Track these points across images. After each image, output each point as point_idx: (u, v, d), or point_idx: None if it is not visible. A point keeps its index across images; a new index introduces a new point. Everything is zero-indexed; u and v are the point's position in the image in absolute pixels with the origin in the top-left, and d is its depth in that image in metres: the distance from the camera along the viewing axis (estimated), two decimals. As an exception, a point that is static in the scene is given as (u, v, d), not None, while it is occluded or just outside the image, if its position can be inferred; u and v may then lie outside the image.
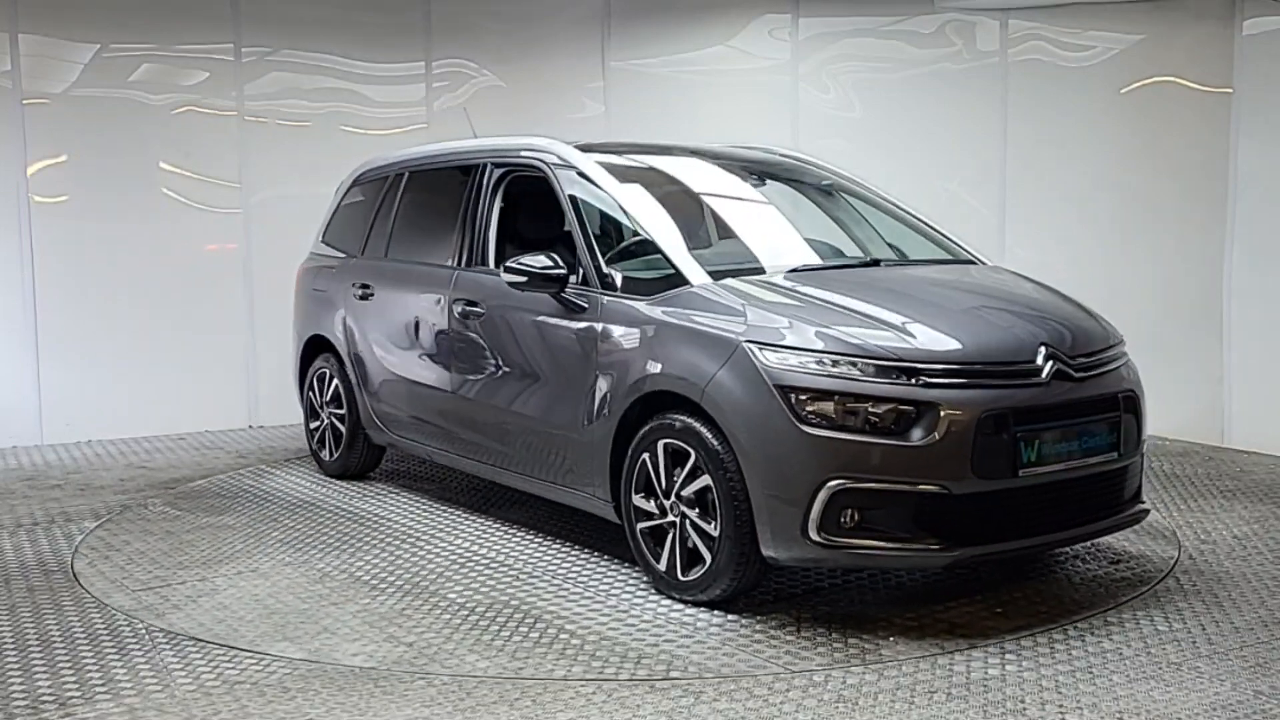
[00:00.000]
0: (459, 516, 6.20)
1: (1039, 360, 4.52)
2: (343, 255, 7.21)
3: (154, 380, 8.54)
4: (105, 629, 4.56)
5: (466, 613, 4.70)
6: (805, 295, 4.76)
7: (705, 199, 5.87)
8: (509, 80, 9.26)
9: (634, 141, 6.22)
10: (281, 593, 5.00)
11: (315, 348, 7.35)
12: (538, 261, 5.24)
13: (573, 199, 5.47)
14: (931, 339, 4.47)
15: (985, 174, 8.54)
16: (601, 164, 5.52)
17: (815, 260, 5.36)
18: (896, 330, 4.49)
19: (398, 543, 5.71)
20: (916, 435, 4.26)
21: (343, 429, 7.01)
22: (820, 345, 4.41)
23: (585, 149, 5.68)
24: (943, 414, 4.28)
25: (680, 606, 4.71)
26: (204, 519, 6.23)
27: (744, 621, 4.54)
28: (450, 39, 9.25)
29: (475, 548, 5.60)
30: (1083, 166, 8.30)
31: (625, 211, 5.29)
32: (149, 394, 8.53)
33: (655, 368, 4.79)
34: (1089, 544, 5.39)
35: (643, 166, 5.82)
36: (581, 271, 5.25)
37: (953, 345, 4.46)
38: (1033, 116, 8.40)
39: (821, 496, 4.28)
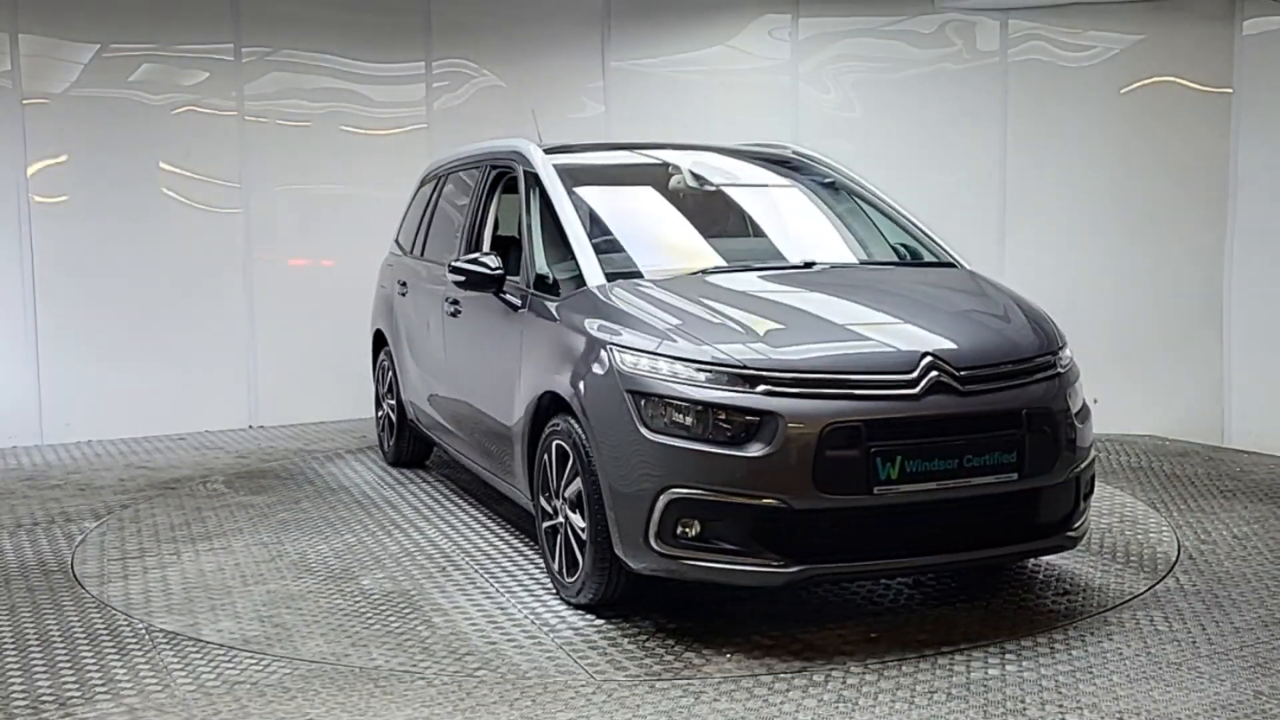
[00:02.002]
0: (460, 507, 6.30)
1: (915, 372, 4.23)
2: (399, 253, 7.47)
3: (154, 380, 8.54)
4: (105, 629, 4.56)
5: (358, 599, 4.88)
6: (682, 299, 4.65)
7: (648, 200, 5.81)
8: (509, 80, 9.26)
9: (614, 142, 6.33)
10: (219, 570, 5.31)
11: (379, 342, 7.65)
12: (475, 262, 5.37)
13: (526, 199, 5.56)
14: (787, 348, 4.30)
15: (985, 174, 8.54)
16: (557, 165, 5.51)
17: (724, 263, 5.19)
18: (755, 337, 4.34)
19: (375, 529, 5.96)
20: (756, 446, 4.09)
21: (393, 419, 7.30)
22: (669, 350, 4.31)
23: (550, 150, 5.74)
24: (783, 425, 4.08)
25: (564, 608, 4.72)
26: (237, 498, 6.61)
27: (601, 626, 4.50)
28: (450, 39, 9.25)
29: (439, 538, 5.75)
30: (1083, 166, 8.30)
31: (556, 212, 5.27)
32: (149, 394, 8.53)
33: (550, 367, 4.83)
34: (1035, 573, 5.25)
35: (601, 167, 5.91)
36: (523, 271, 5.35)
37: (806, 354, 4.28)
38: (1033, 116, 8.40)
39: (659, 505, 4.17)
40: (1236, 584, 4.95)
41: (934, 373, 4.24)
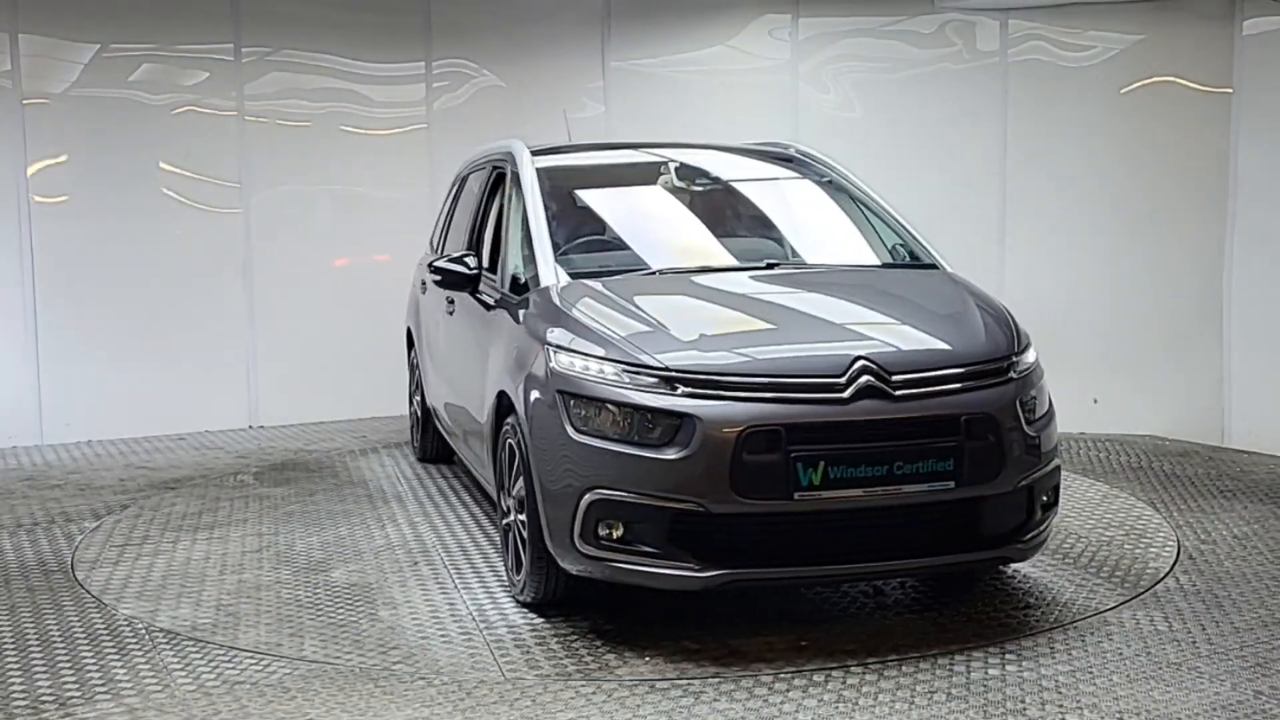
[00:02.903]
0: (464, 503, 6.39)
1: (844, 376, 4.16)
2: (428, 251, 7.58)
3: (154, 380, 8.54)
4: (105, 629, 4.56)
5: (319, 591, 4.99)
6: (626, 300, 4.64)
7: (625, 201, 5.84)
8: (509, 80, 9.25)
9: (608, 142, 6.36)
10: (205, 559, 5.49)
11: (410, 339, 7.76)
12: (455, 261, 5.42)
13: (510, 199, 5.61)
14: (714, 351, 4.29)
15: (985, 174, 8.54)
16: (539, 167, 5.56)
17: (683, 264, 5.17)
18: (685, 340, 4.32)
19: (372, 522, 6.10)
20: (674, 449, 4.06)
21: (419, 415, 7.42)
22: (597, 351, 4.32)
23: (540, 152, 5.79)
24: (700, 428, 4.04)
25: (511, 606, 4.76)
26: (259, 489, 6.82)
27: (537, 625, 4.54)
28: (450, 39, 9.24)
29: (428, 533, 5.85)
30: (1083, 166, 8.29)
31: (526, 211, 5.29)
32: (149, 394, 8.53)
33: (506, 366, 4.86)
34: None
35: (586, 168, 5.99)
36: (499, 271, 5.39)
37: (730, 357, 4.25)
38: (1033, 116, 8.40)
39: (583, 505, 4.17)
40: (1236, 584, 4.95)
41: (865, 377, 4.16)
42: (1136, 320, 8.19)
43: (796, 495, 4.04)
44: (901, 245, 5.51)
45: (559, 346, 4.43)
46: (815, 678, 4.00)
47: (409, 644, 4.37)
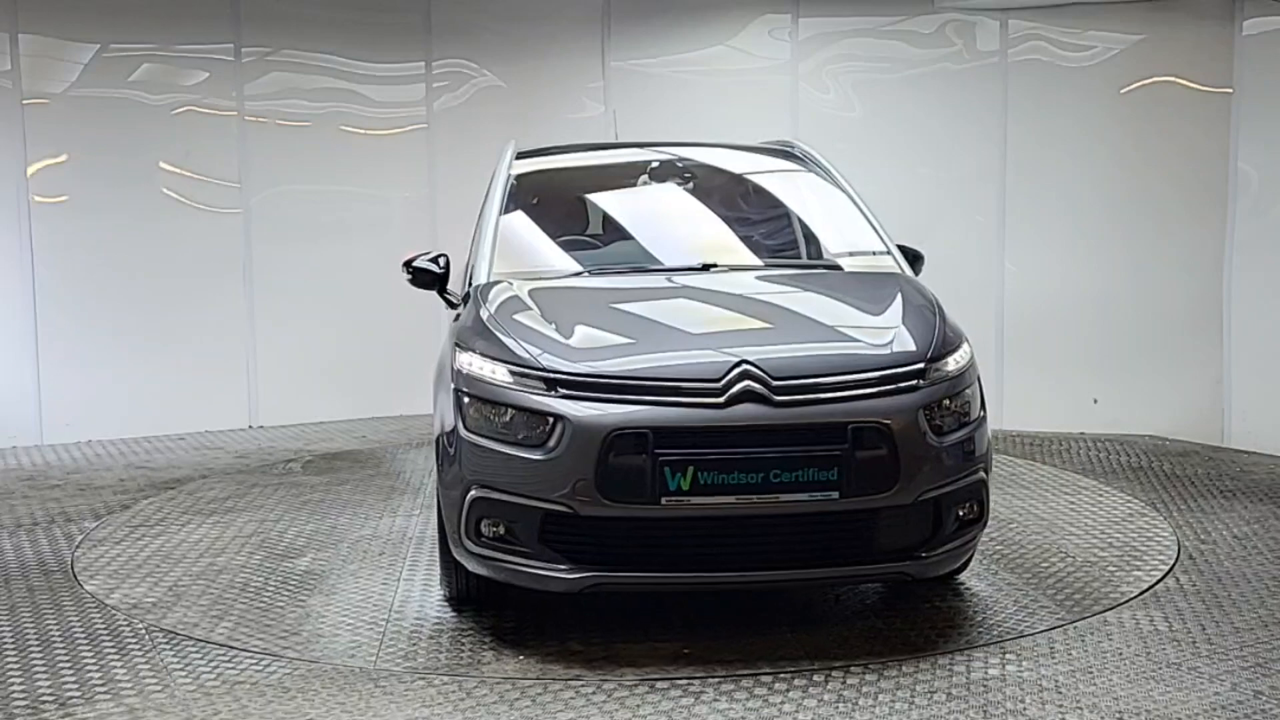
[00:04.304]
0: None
1: (723, 380, 4.06)
2: None
3: (154, 380, 8.54)
4: (105, 629, 4.56)
5: (273, 578, 5.18)
6: (535, 303, 4.68)
7: (589, 203, 5.87)
8: (509, 80, 9.25)
9: (603, 142, 6.39)
10: (196, 543, 5.71)
11: None
12: (428, 261, 5.43)
13: (489, 200, 5.66)
14: (593, 351, 4.28)
15: (985, 174, 8.53)
16: (518, 170, 5.66)
17: (618, 265, 5.21)
18: (569, 342, 4.33)
19: (371, 513, 6.25)
20: (544, 450, 4.06)
21: None
22: (493, 351, 4.35)
23: (525, 154, 5.88)
24: (568, 429, 4.02)
25: (437, 601, 4.83)
26: (299, 477, 7.09)
27: (442, 620, 4.63)
28: (450, 39, 9.24)
29: (418, 525, 5.97)
30: (1082, 166, 8.29)
31: (484, 213, 5.40)
32: (149, 394, 8.53)
33: (439, 365, 4.90)
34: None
35: (562, 170, 6.04)
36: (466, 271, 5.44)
37: (605, 359, 4.22)
38: (1033, 117, 8.39)
39: (467, 503, 4.21)
40: (1236, 584, 4.95)
41: (745, 382, 4.06)
42: (1136, 320, 8.19)
43: (664, 500, 3.97)
44: (858, 246, 5.39)
45: (462, 346, 4.49)
46: (815, 678, 4.00)
47: (311, 630, 4.53)
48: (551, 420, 4.07)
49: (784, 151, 6.20)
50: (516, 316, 4.56)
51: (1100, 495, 6.43)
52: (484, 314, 4.62)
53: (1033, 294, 8.43)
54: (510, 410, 4.16)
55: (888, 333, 4.45)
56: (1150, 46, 8.06)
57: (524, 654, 4.26)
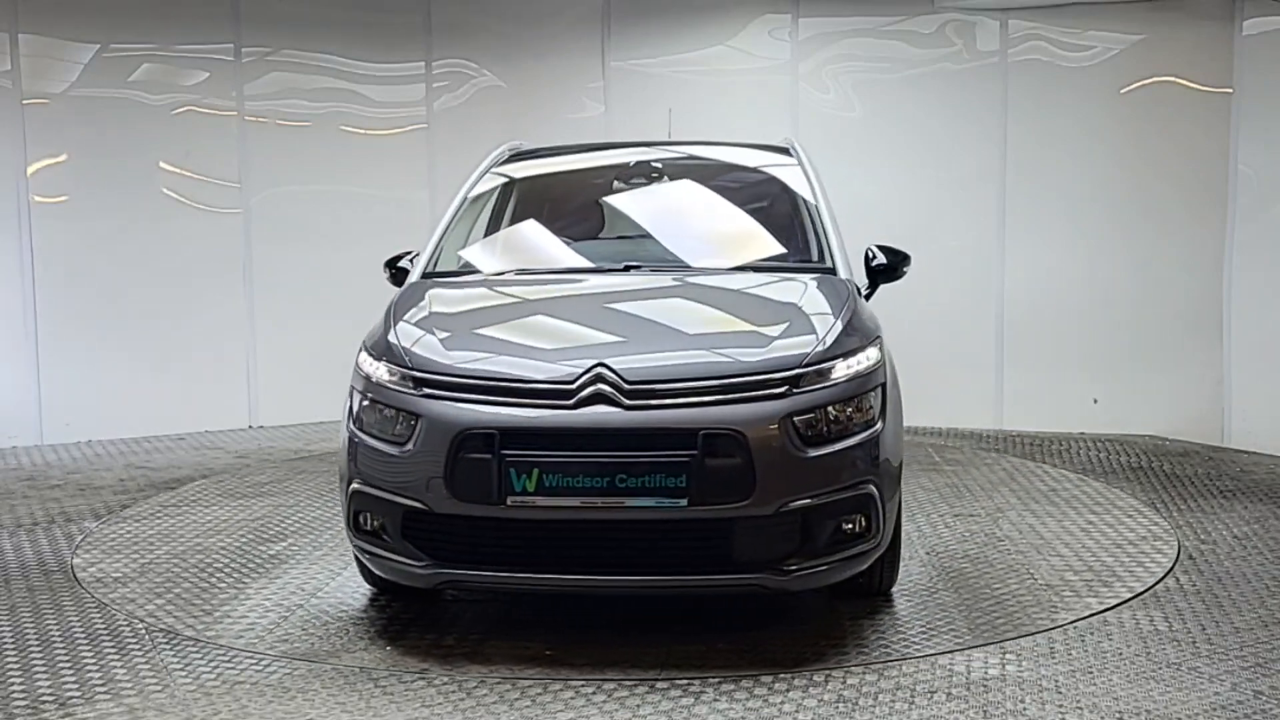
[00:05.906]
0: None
1: (575, 383, 4.05)
2: None
3: (154, 380, 8.54)
4: (105, 629, 4.56)
5: (233, 559, 5.43)
6: (441, 302, 4.77)
7: (555, 203, 5.91)
8: (509, 80, 9.26)
9: (598, 142, 6.46)
10: (195, 524, 6.03)
11: None
12: (404, 262, 5.48)
13: (452, 201, 5.77)
14: (458, 352, 4.31)
15: (985, 174, 8.54)
16: (500, 170, 5.78)
17: (542, 265, 5.29)
18: (440, 341, 4.38)
19: None
20: (403, 448, 4.16)
21: None
22: (381, 348, 4.46)
23: (520, 155, 5.97)
24: (424, 427, 4.12)
25: (364, 589, 4.96)
26: (323, 465, 7.36)
27: (355, 610, 4.74)
28: (450, 39, 9.25)
29: None
30: (1082, 166, 8.30)
31: (449, 212, 5.55)
32: (149, 394, 8.53)
33: None
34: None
35: (548, 173, 6.09)
36: None
37: (461, 359, 4.26)
38: (1033, 116, 8.40)
39: (348, 496, 4.36)
40: (1236, 584, 4.95)
41: (598, 385, 4.04)
42: (1136, 320, 8.19)
43: (509, 500, 4.00)
44: (803, 250, 5.29)
45: (364, 345, 4.59)
46: (815, 678, 4.00)
47: (233, 616, 4.68)
48: (414, 419, 4.17)
49: (780, 150, 6.17)
50: (407, 316, 4.66)
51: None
52: (393, 312, 4.73)
53: (1032, 293, 8.43)
54: (383, 407, 4.28)
55: (767, 340, 4.29)
56: (1150, 46, 8.07)
57: (386, 642, 4.40)
